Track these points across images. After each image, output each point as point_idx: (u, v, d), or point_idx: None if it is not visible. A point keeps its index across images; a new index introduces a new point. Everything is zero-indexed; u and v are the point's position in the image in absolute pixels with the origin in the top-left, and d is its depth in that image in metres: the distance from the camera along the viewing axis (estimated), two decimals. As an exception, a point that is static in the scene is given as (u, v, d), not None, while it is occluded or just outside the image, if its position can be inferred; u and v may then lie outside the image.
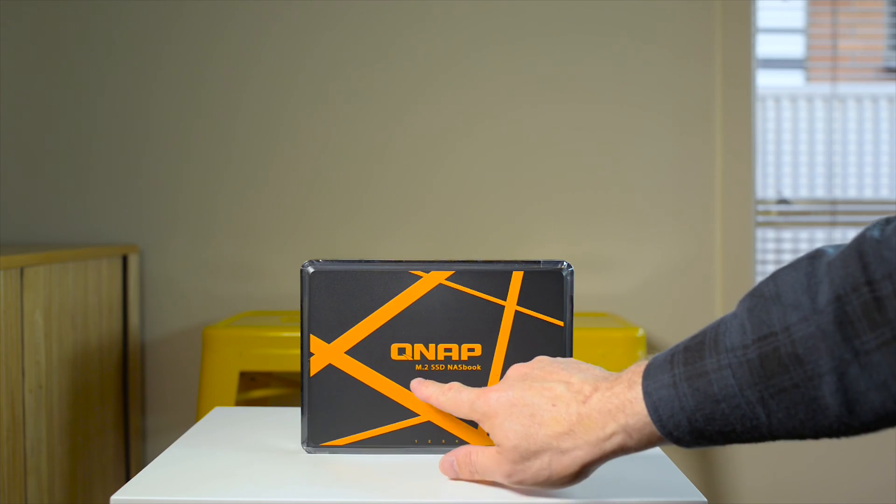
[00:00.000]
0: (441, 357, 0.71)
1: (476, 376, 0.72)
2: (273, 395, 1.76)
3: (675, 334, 1.95)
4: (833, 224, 2.11)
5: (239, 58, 1.93)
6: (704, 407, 0.53)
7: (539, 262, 0.72)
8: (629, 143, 1.94)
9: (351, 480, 0.67)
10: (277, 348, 1.60)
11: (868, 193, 2.23)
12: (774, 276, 0.53)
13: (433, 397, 0.68)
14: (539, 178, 1.94)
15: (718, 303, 1.96)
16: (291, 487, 0.65)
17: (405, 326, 0.71)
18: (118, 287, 1.83)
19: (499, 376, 0.71)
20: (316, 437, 0.72)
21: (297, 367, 1.62)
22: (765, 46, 2.13)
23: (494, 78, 1.94)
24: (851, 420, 0.50)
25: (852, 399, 0.49)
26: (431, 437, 0.72)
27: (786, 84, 2.29)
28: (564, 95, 1.94)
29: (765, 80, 2.15)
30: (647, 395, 0.55)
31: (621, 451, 0.57)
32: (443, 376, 0.71)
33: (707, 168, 1.95)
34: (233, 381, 1.57)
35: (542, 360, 0.64)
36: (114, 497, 0.63)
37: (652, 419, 0.55)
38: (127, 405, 1.86)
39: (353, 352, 0.71)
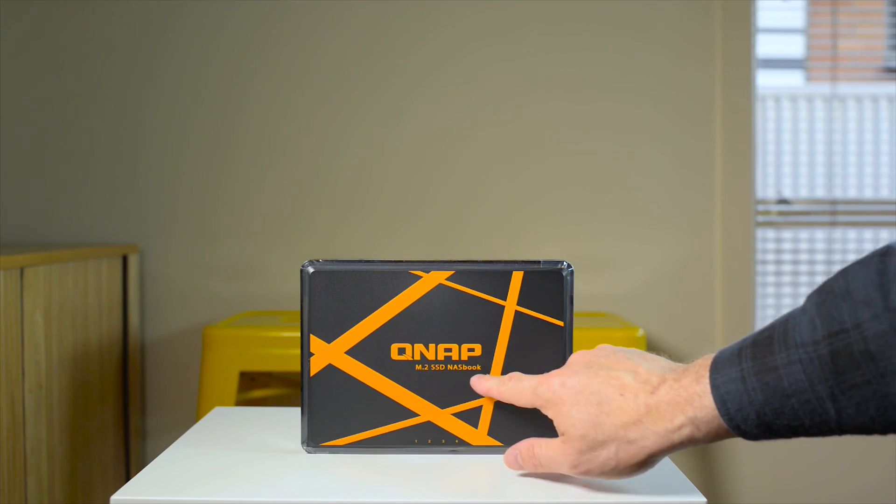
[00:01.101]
0: (441, 357, 0.71)
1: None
2: (273, 395, 1.76)
3: (675, 334, 1.95)
4: (833, 224, 2.11)
5: (239, 57, 1.93)
6: (774, 401, 0.54)
7: (539, 261, 0.72)
8: (629, 143, 1.94)
9: (351, 480, 0.67)
10: (277, 348, 1.60)
11: (868, 193, 2.23)
12: (844, 273, 0.53)
13: (493, 389, 0.68)
14: (539, 178, 1.94)
15: (718, 303, 1.96)
16: (291, 487, 0.65)
17: (405, 326, 0.71)
18: (118, 287, 1.83)
19: (499, 376, 0.71)
20: (316, 437, 0.72)
21: (297, 367, 1.62)
22: (765, 46, 2.13)
23: (494, 78, 1.94)
24: None
25: None
26: (431, 437, 0.72)
27: (786, 84, 2.28)
28: (564, 95, 1.94)
29: (765, 80, 2.15)
30: (716, 388, 0.56)
31: (689, 442, 0.58)
32: (443, 376, 0.71)
33: (707, 168, 1.95)
34: (233, 381, 1.57)
35: (605, 348, 0.65)
36: (114, 497, 0.63)
37: (720, 412, 0.56)
38: (127, 405, 1.86)
39: (353, 352, 0.71)
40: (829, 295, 0.53)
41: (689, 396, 0.57)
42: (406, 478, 0.67)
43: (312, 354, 0.71)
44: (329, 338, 0.71)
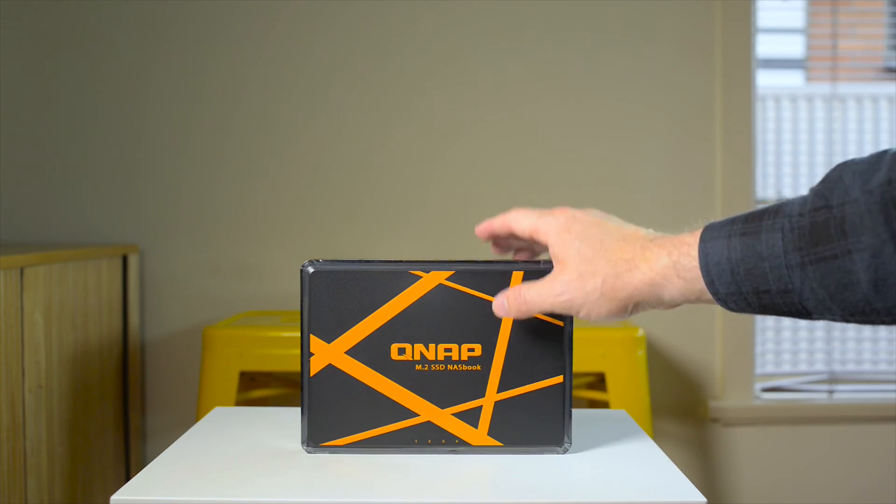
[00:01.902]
0: (441, 357, 0.71)
1: (476, 376, 0.72)
2: (273, 395, 1.76)
3: (675, 334, 1.95)
4: (833, 224, 2.11)
5: (238, 57, 1.93)
6: (748, 260, 0.57)
7: (539, 262, 0.72)
8: (629, 143, 1.94)
9: (351, 480, 0.67)
10: (277, 348, 1.60)
11: (868, 193, 2.23)
12: (843, 163, 0.55)
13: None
14: (539, 178, 1.94)
15: (718, 303, 1.95)
16: (291, 487, 0.65)
17: (405, 326, 0.71)
18: (118, 287, 1.83)
19: (499, 376, 0.71)
20: (316, 437, 0.72)
21: (297, 367, 1.62)
22: (765, 46, 2.13)
23: (494, 77, 1.94)
24: (876, 300, 0.52)
25: (881, 278, 0.51)
26: (431, 437, 0.72)
27: (786, 84, 2.28)
28: (564, 95, 1.94)
29: (765, 80, 2.15)
30: (703, 241, 0.60)
31: (668, 286, 0.61)
32: (443, 376, 0.71)
33: (707, 168, 1.95)
34: (233, 381, 1.57)
35: (600, 212, 0.69)
36: (114, 497, 0.63)
37: (700, 264, 0.59)
38: (127, 405, 1.86)
39: (353, 352, 0.71)
40: (826, 181, 0.56)
41: (678, 244, 0.61)
42: (406, 478, 0.67)
43: (312, 354, 0.71)
44: (329, 338, 0.71)
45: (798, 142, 2.23)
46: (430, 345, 0.71)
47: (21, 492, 1.41)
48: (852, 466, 1.98)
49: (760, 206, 0.60)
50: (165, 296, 1.94)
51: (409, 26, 1.93)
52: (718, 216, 1.94)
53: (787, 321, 2.16)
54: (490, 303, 0.71)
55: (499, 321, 0.71)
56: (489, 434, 0.72)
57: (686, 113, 1.95)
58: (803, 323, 2.17)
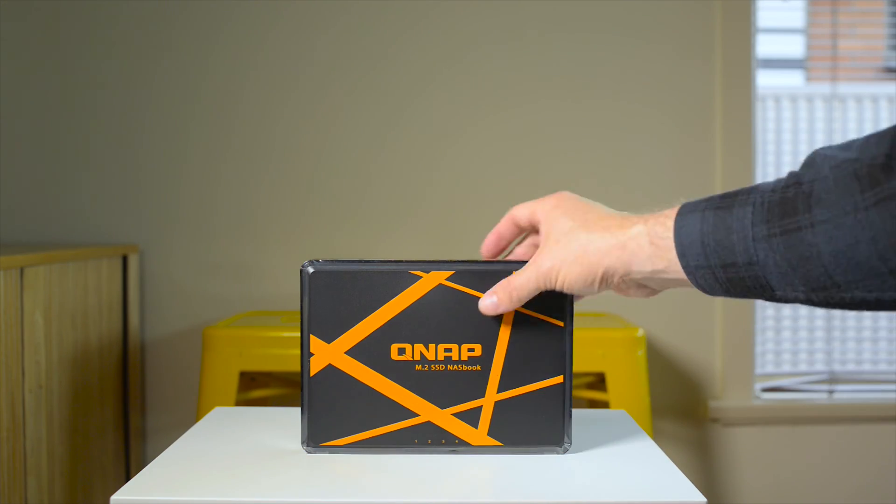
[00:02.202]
0: (441, 357, 0.71)
1: (476, 376, 0.71)
2: (273, 395, 1.76)
3: (675, 334, 1.95)
4: (833, 224, 2.10)
5: (238, 57, 1.93)
6: (718, 232, 0.58)
7: None
8: (629, 143, 1.94)
9: (351, 480, 0.67)
10: (277, 348, 1.60)
11: (868, 193, 2.22)
12: (819, 148, 0.57)
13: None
14: (539, 178, 1.94)
15: (718, 302, 1.96)
16: (291, 487, 0.65)
17: (405, 326, 0.71)
18: (118, 287, 1.83)
19: (499, 377, 0.71)
20: (316, 437, 0.72)
21: (297, 367, 1.62)
22: (765, 46, 2.13)
23: (494, 77, 1.94)
24: (836, 273, 0.53)
25: (840, 250, 0.52)
26: (431, 437, 0.72)
27: (786, 84, 2.28)
28: (564, 95, 1.94)
29: (765, 80, 2.15)
30: (680, 215, 0.61)
31: (639, 252, 0.62)
32: (443, 377, 0.71)
33: (707, 168, 1.95)
34: (233, 381, 1.57)
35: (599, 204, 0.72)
36: (114, 497, 0.63)
37: (674, 234, 0.60)
38: (127, 405, 1.86)
39: (353, 352, 0.71)
40: (803, 164, 0.57)
41: (657, 216, 0.63)
42: (406, 478, 0.67)
43: (312, 354, 0.71)
44: (329, 338, 0.71)
45: (798, 142, 2.23)
46: (430, 345, 0.71)
47: (21, 492, 1.41)
48: (852, 466, 1.98)
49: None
50: (165, 296, 1.94)
51: (410, 27, 1.93)
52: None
53: (787, 321, 2.16)
54: None
55: (499, 321, 0.71)
56: (489, 434, 0.72)
57: (686, 113, 1.95)
58: (803, 323, 2.16)
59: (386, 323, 0.71)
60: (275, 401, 1.79)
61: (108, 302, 1.78)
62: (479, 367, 0.71)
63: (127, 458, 1.87)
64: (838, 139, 2.21)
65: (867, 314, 2.19)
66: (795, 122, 2.24)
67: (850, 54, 2.24)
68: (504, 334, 0.71)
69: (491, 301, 0.69)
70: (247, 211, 1.94)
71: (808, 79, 2.31)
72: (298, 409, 0.81)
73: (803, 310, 2.16)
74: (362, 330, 0.71)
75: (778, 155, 2.22)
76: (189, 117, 1.93)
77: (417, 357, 0.71)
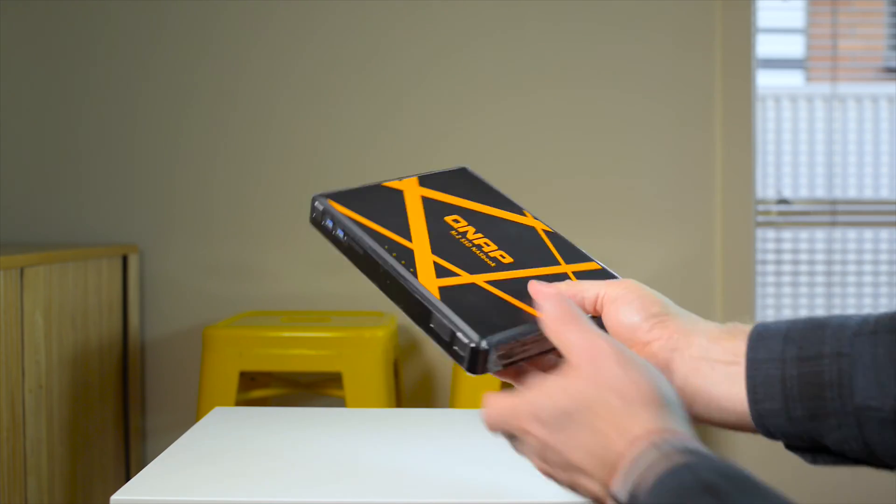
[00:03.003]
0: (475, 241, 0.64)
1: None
2: (273, 395, 1.76)
3: (675, 334, 1.95)
4: (833, 224, 2.11)
5: (235, 57, 1.93)
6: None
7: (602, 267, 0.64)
8: (629, 145, 1.94)
9: (351, 480, 0.67)
10: (277, 348, 1.60)
11: (868, 193, 2.23)
12: None
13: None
14: (538, 177, 1.94)
15: (718, 303, 1.96)
16: (291, 487, 0.65)
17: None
18: (118, 287, 1.83)
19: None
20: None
21: (298, 367, 1.62)
22: (765, 46, 2.13)
23: (492, 70, 1.94)
24: None
25: None
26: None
27: (786, 84, 2.29)
28: (563, 89, 1.94)
29: (765, 80, 2.15)
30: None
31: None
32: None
33: (707, 168, 1.95)
34: (233, 381, 1.57)
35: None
36: (114, 497, 0.63)
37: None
38: (127, 405, 1.86)
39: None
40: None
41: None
42: (406, 477, 0.67)
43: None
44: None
45: (798, 142, 2.23)
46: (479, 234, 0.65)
47: (21, 492, 1.41)
48: (852, 467, 1.98)
49: (815, 366, 0.51)
50: (165, 296, 1.94)
51: (404, 21, 1.93)
52: (718, 216, 1.94)
53: (787, 311, 2.16)
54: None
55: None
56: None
57: (686, 115, 1.95)
58: (803, 323, 2.16)
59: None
60: (275, 401, 1.79)
61: (108, 302, 1.78)
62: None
63: (127, 458, 1.87)
64: (838, 139, 2.21)
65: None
66: (795, 122, 2.24)
67: (850, 54, 2.24)
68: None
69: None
70: (246, 211, 1.94)
71: (808, 79, 2.31)
72: (298, 409, 0.81)
73: (803, 309, 2.16)
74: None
75: (778, 155, 2.22)
76: (189, 117, 1.93)
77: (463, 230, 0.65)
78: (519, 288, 0.58)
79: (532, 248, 0.65)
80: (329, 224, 0.69)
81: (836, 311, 2.17)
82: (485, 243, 0.64)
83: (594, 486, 0.49)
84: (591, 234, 1.92)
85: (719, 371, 0.53)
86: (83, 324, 1.66)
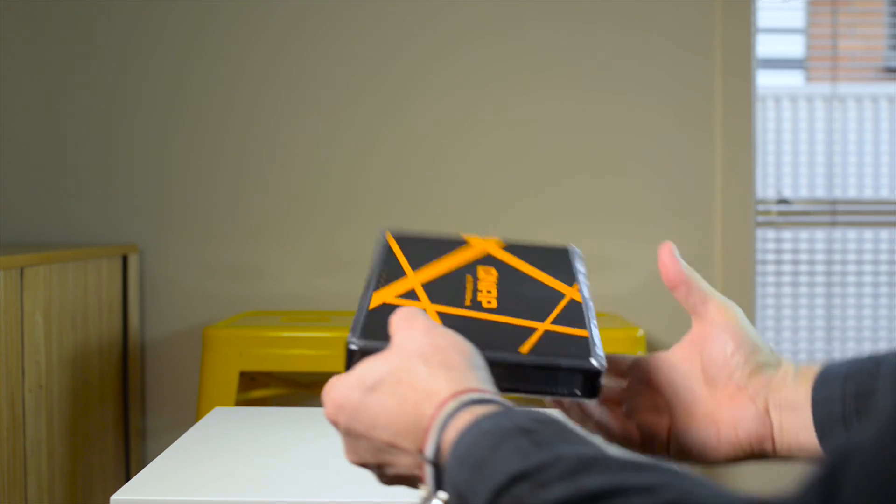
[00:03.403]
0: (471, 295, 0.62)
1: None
2: (273, 395, 1.76)
3: (675, 334, 1.95)
4: (833, 224, 2.11)
5: (234, 57, 1.93)
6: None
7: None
8: (629, 145, 1.94)
9: (351, 479, 0.67)
10: (277, 348, 1.60)
11: (868, 193, 2.23)
12: None
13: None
14: (538, 177, 1.94)
15: (718, 303, 1.95)
16: (291, 487, 0.65)
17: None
18: (118, 287, 1.83)
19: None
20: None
21: (297, 367, 1.62)
22: (765, 46, 2.13)
23: (492, 70, 1.94)
24: None
25: None
26: None
27: (786, 84, 2.29)
28: (562, 89, 1.94)
29: (765, 80, 2.15)
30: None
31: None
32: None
33: (707, 168, 1.95)
34: (233, 381, 1.57)
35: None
36: (114, 497, 0.63)
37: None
38: (127, 405, 1.86)
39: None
40: None
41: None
42: (406, 478, 0.67)
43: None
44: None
45: (798, 142, 2.23)
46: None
47: (21, 492, 1.41)
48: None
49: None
50: (165, 296, 1.94)
51: (403, 21, 1.93)
52: (718, 216, 1.94)
53: (787, 321, 2.16)
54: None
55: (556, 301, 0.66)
56: None
57: (686, 115, 1.95)
58: (804, 323, 2.17)
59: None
60: (275, 401, 1.79)
61: (108, 302, 1.78)
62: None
63: (127, 458, 1.87)
64: (838, 139, 2.21)
65: (867, 314, 2.19)
66: (795, 122, 2.24)
67: (850, 54, 2.25)
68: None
69: None
70: (246, 211, 1.94)
71: (808, 79, 2.32)
72: (298, 409, 0.81)
73: (803, 309, 2.16)
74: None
75: (778, 155, 2.22)
76: (189, 118, 1.93)
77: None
78: (458, 324, 0.56)
79: (531, 305, 0.62)
80: (375, 249, 0.69)
81: (836, 312, 2.17)
82: (487, 290, 0.63)
83: (407, 459, 0.50)
84: (592, 234, 1.92)
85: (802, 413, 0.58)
86: (83, 324, 1.66)
